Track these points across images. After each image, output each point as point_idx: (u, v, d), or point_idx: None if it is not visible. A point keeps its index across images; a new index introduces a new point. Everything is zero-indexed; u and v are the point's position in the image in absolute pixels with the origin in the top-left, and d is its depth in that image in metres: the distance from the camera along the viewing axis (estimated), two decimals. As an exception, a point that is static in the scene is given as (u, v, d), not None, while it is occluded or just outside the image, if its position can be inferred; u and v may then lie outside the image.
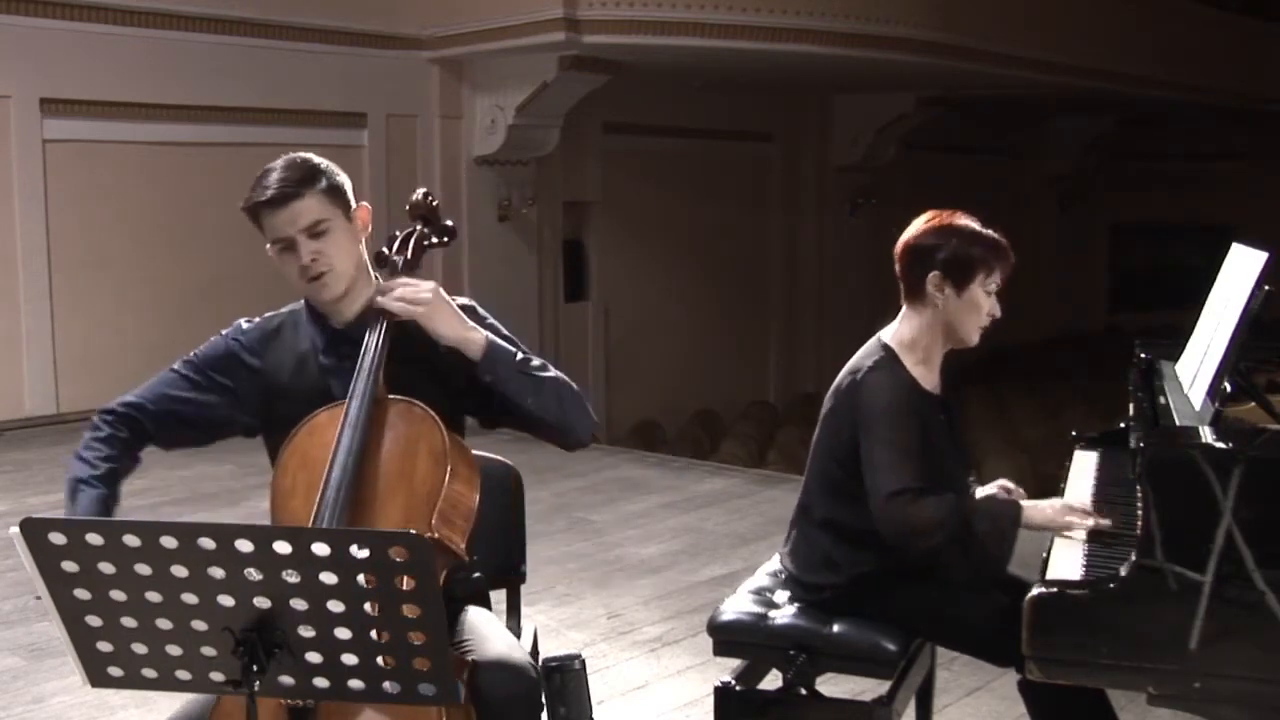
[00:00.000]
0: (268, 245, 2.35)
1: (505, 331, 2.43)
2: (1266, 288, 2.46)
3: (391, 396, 2.27)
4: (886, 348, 2.79)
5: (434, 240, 2.52)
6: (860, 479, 2.70)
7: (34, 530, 1.71)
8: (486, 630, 2.32)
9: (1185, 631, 2.15)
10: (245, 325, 2.49)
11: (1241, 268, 2.70)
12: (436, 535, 2.14)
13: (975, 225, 2.76)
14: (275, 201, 2.29)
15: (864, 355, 2.82)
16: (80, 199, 8.96)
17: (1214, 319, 2.74)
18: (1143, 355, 3.31)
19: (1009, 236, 2.83)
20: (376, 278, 2.43)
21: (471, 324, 2.32)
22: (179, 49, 9.25)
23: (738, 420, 13.29)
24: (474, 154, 11.11)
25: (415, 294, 2.27)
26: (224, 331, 2.48)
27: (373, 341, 2.28)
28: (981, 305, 2.74)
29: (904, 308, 2.81)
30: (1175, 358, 3.08)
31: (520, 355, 2.33)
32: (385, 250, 2.48)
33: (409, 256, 2.46)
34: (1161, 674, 2.19)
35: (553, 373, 2.35)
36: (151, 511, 5.92)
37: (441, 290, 2.32)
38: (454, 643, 2.25)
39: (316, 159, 2.38)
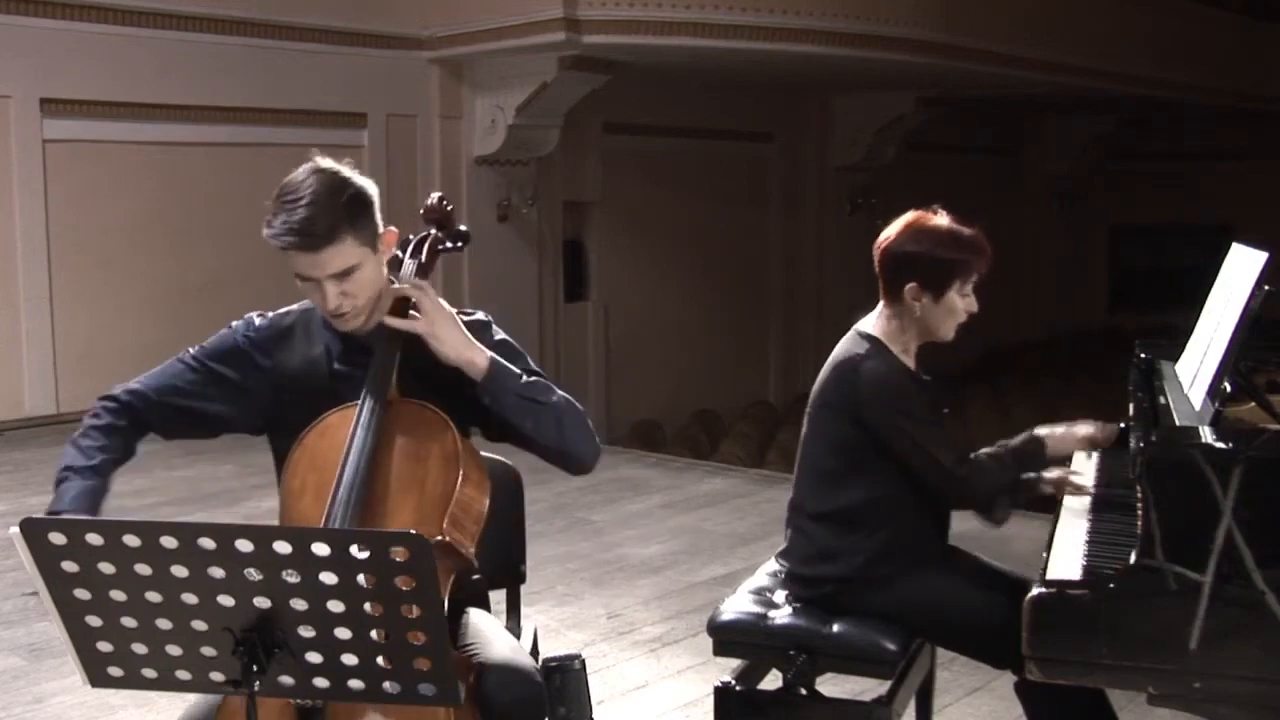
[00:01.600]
0: (291, 267, 2.28)
1: (518, 349, 2.39)
2: (1266, 288, 2.46)
3: (404, 399, 2.26)
4: (872, 338, 2.82)
5: (448, 245, 2.50)
6: (852, 464, 2.76)
7: (34, 530, 1.71)
8: (491, 633, 2.32)
9: (1185, 631, 2.15)
10: (258, 321, 2.44)
11: (1241, 268, 2.70)
12: (447, 539, 2.14)
13: (950, 226, 2.77)
14: (305, 249, 2.19)
15: (850, 347, 2.83)
16: (80, 199, 8.96)
17: (1214, 319, 2.74)
18: (1143, 355, 3.31)
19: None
20: (391, 280, 2.38)
21: (477, 344, 2.28)
22: (179, 49, 9.25)
23: (738, 420, 13.29)
24: (474, 154, 11.11)
25: (424, 315, 2.24)
26: (234, 324, 2.43)
27: (385, 346, 2.27)
28: (958, 307, 2.79)
29: (882, 304, 2.86)
30: (1175, 358, 3.08)
31: (525, 379, 2.29)
32: (399, 253, 2.45)
33: (423, 260, 2.44)
34: (1161, 674, 2.19)
35: (557, 397, 2.30)
36: (151, 511, 5.92)
37: (447, 307, 2.28)
38: (459, 645, 2.25)
39: (349, 180, 2.25)
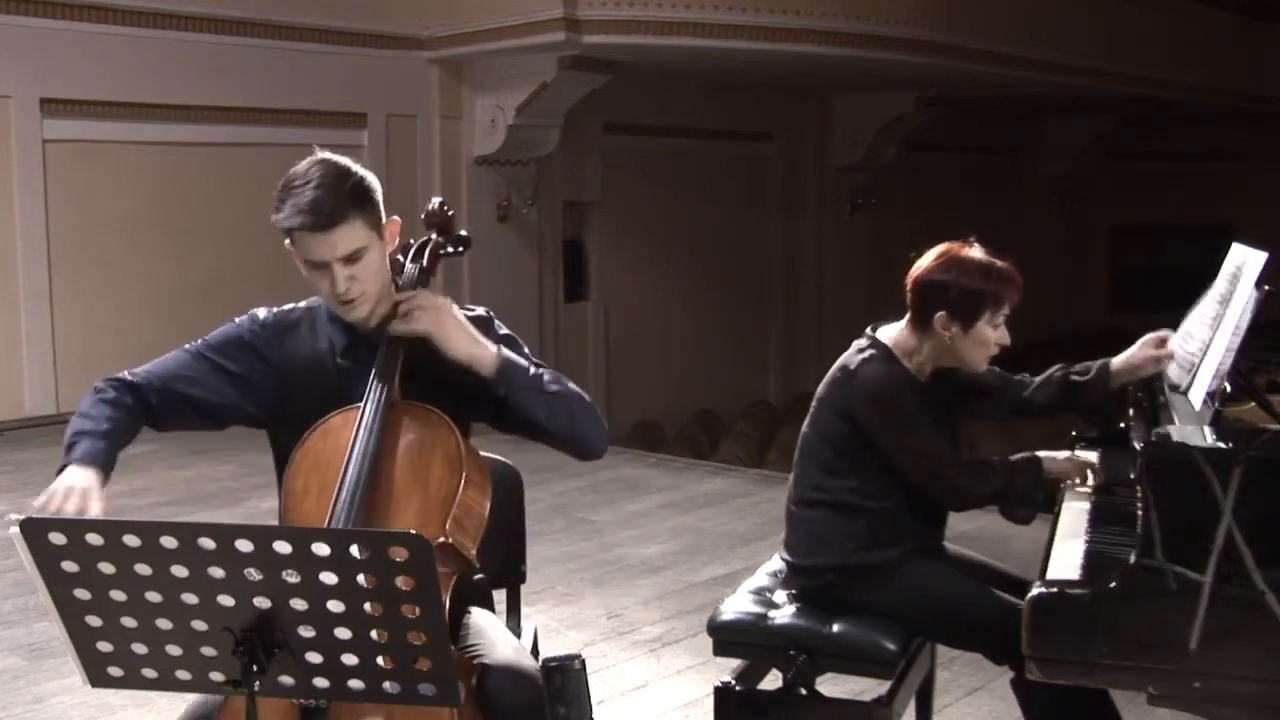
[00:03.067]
0: (294, 256, 2.29)
1: (519, 342, 2.41)
2: (1266, 288, 2.47)
3: (406, 401, 2.26)
4: (881, 344, 2.85)
5: (449, 249, 2.50)
6: (848, 456, 2.81)
7: (34, 530, 1.71)
8: (494, 634, 2.31)
9: (1185, 631, 2.15)
10: (263, 315, 2.43)
11: (1241, 268, 2.70)
12: (450, 540, 2.14)
13: (984, 258, 2.79)
14: (315, 228, 2.20)
15: (857, 350, 2.88)
16: (80, 199, 8.96)
17: (1210, 314, 2.74)
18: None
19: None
20: (394, 283, 2.38)
21: (483, 340, 2.28)
22: (179, 49, 9.25)
23: (738, 420, 13.29)
24: (474, 154, 11.11)
25: (427, 314, 2.24)
26: (239, 319, 2.42)
27: (389, 347, 2.27)
28: (989, 339, 2.80)
29: (909, 326, 2.86)
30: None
31: (534, 370, 2.31)
32: (400, 258, 2.45)
33: (424, 265, 2.44)
34: (1161, 674, 2.19)
35: (566, 387, 2.33)
36: (151, 511, 5.92)
37: (454, 306, 2.29)
38: (461, 645, 2.25)
39: (352, 168, 2.27)
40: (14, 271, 8.71)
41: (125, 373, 2.34)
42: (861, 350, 2.86)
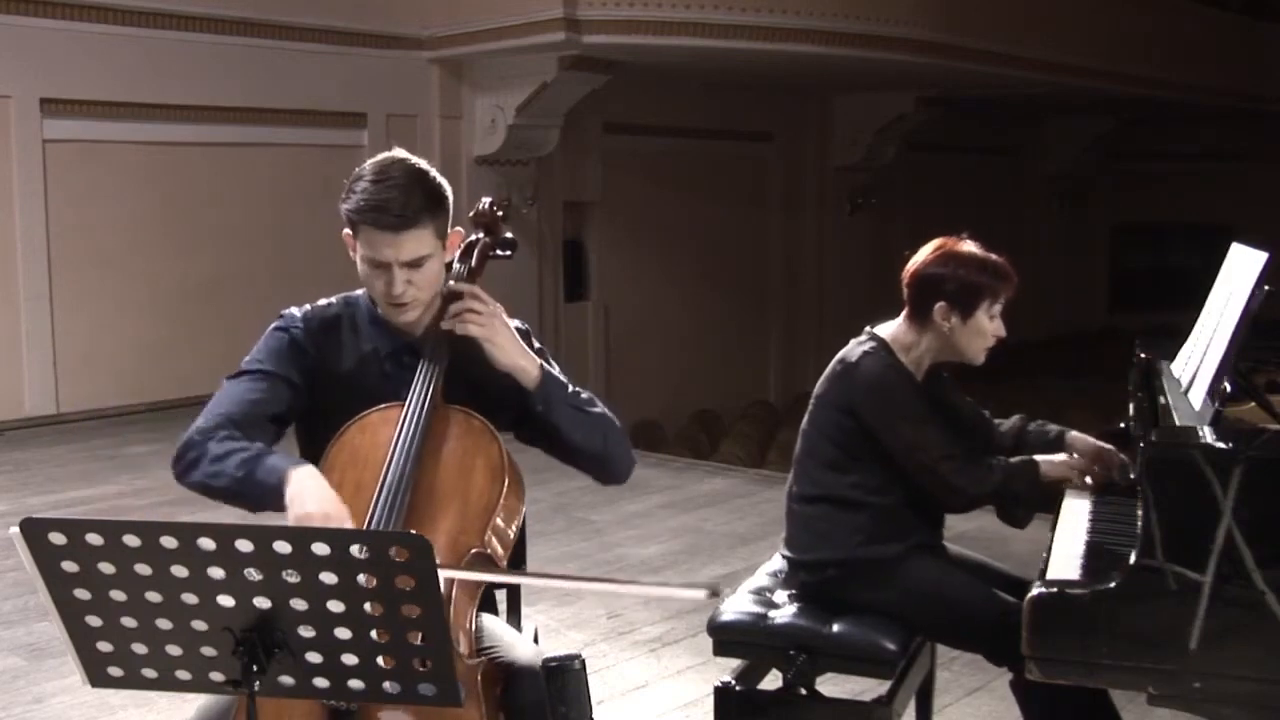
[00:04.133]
0: (352, 250, 2.25)
1: (551, 360, 2.38)
2: (1266, 288, 2.47)
3: (448, 405, 2.24)
4: (879, 339, 2.89)
5: (497, 251, 2.48)
6: (849, 451, 2.82)
7: (34, 530, 1.71)
8: (510, 637, 2.31)
9: (1185, 631, 2.15)
10: (298, 313, 2.38)
11: (1241, 268, 2.70)
12: (487, 550, 2.14)
13: (979, 252, 2.85)
14: (387, 227, 2.17)
15: (856, 344, 2.91)
16: (80, 199, 8.96)
17: (1214, 319, 2.74)
18: (1143, 355, 3.31)
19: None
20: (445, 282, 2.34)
21: (529, 352, 2.28)
22: (179, 49, 9.25)
23: (738, 420, 13.29)
24: (474, 154, 11.11)
25: (480, 313, 2.22)
26: (274, 325, 2.36)
27: (433, 349, 2.26)
28: (986, 330, 2.85)
29: (907, 321, 2.90)
30: (1175, 357, 3.08)
31: (572, 388, 2.30)
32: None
33: (473, 265, 2.42)
34: (1161, 674, 2.19)
35: (600, 409, 2.32)
36: (151, 511, 5.92)
37: (503, 313, 2.27)
38: (481, 649, 2.23)
39: (430, 172, 2.25)
40: (14, 271, 8.71)
41: (208, 421, 2.22)
42: (861, 344, 2.89)
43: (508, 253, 2.50)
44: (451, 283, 2.33)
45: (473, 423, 2.23)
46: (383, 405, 2.25)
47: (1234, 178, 18.42)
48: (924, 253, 2.88)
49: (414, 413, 2.18)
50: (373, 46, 10.39)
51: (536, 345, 2.38)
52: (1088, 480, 2.89)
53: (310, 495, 2.05)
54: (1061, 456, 2.90)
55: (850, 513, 2.82)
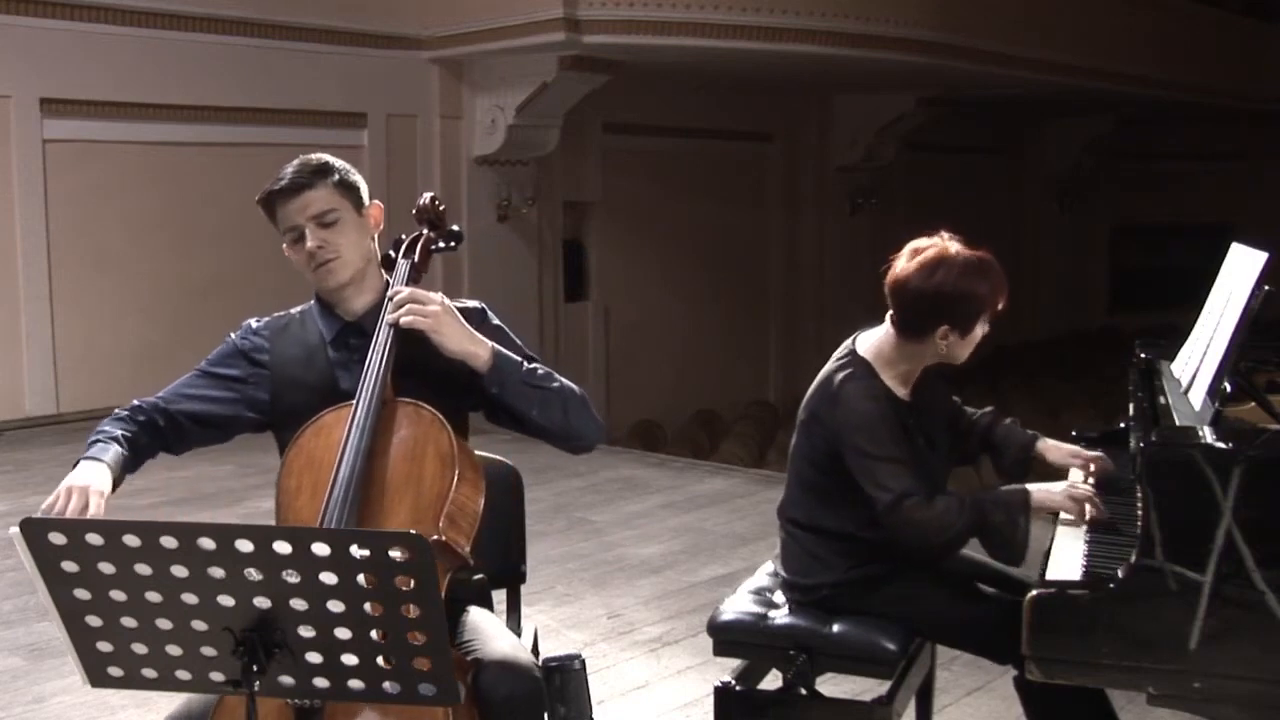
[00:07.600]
0: (284, 244, 2.40)
1: (513, 336, 2.46)
2: (1266, 288, 2.46)
3: (398, 399, 2.28)
4: (862, 361, 2.76)
5: (440, 245, 2.53)
6: (838, 484, 2.72)
7: (34, 530, 1.72)
8: (490, 630, 2.32)
9: (1185, 631, 2.15)
10: (255, 324, 2.54)
11: (1241, 268, 2.70)
12: (443, 538, 2.14)
13: (968, 255, 2.67)
14: (287, 190, 2.34)
15: (837, 365, 2.79)
16: (80, 199, 8.96)
17: (1214, 319, 2.74)
18: (1143, 355, 3.31)
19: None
20: (387, 280, 2.45)
21: (478, 336, 2.32)
22: (179, 49, 9.26)
23: (738, 420, 13.27)
24: (474, 154, 11.11)
25: (423, 309, 2.28)
26: (233, 333, 2.54)
27: (380, 342, 2.30)
28: (979, 336, 2.74)
29: (896, 335, 2.74)
30: (1175, 358, 3.08)
31: (527, 366, 2.34)
32: (392, 253, 2.49)
33: (416, 260, 2.47)
34: (1161, 674, 2.19)
35: (559, 382, 2.36)
36: (151, 511, 5.92)
37: (448, 302, 2.32)
38: (457, 643, 2.25)
39: (332, 159, 2.43)
40: (14, 271, 8.71)
41: (135, 401, 2.43)
42: (842, 367, 2.76)
43: (452, 245, 2.56)
44: (391, 286, 2.41)
45: (422, 414, 2.26)
46: (336, 406, 2.30)
47: (1234, 178, 18.42)
48: (911, 262, 2.69)
49: (362, 409, 2.22)
50: (373, 46, 10.39)
51: (494, 323, 2.46)
52: (1087, 514, 2.66)
53: (63, 483, 2.18)
54: (1062, 486, 2.72)
55: (843, 543, 2.78)
